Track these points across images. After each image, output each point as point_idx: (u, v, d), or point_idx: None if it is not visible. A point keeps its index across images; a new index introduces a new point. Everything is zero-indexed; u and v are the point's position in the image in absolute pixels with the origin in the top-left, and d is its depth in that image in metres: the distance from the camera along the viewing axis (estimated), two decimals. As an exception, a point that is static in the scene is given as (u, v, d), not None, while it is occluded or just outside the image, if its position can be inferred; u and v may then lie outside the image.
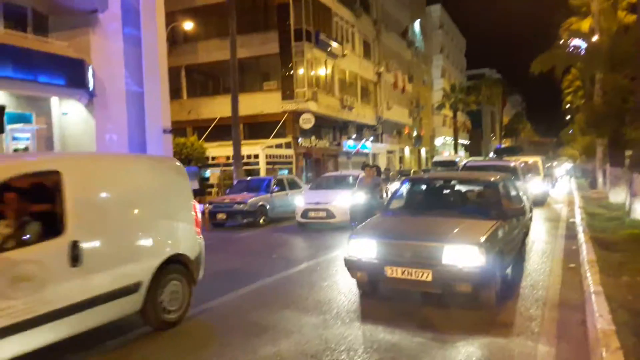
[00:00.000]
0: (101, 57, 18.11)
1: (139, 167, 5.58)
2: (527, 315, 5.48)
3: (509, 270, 6.95)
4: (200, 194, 18.95)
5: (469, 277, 5.32)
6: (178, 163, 6.13)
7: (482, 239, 5.46)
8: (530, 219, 9.15)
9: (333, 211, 13.00)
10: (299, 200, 14.05)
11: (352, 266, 6.02)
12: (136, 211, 5.19)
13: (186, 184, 6.01)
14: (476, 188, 7.75)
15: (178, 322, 5.39)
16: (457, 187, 7.86)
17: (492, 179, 7.31)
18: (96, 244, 4.61)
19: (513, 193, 7.74)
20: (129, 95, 19.30)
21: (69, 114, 18.23)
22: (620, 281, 6.04)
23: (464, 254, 5.36)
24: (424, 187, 8.12)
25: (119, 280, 4.74)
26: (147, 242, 5.21)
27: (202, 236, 6.04)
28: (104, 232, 4.74)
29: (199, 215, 6.05)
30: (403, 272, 5.54)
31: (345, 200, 12.54)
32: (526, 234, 8.29)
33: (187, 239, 5.74)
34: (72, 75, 17.15)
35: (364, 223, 7.08)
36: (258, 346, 4.74)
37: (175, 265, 5.43)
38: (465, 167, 16.89)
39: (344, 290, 6.70)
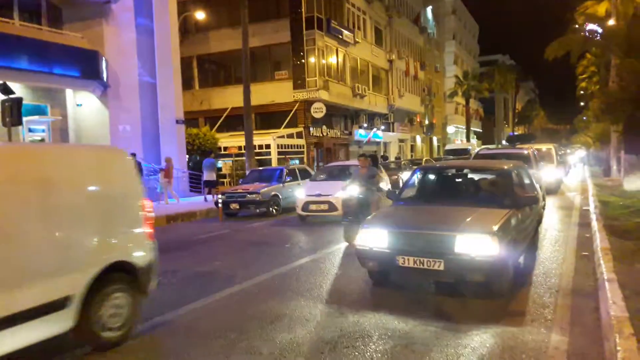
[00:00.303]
0: (114, 48, 18.28)
1: (67, 159, 4.69)
2: (540, 302, 5.51)
3: (521, 259, 6.96)
4: (216, 184, 19.12)
5: (482, 266, 5.29)
6: (126, 155, 5.28)
7: (495, 227, 5.45)
8: (543, 207, 9.13)
9: (335, 203, 12.32)
10: (300, 192, 13.44)
11: (363, 256, 6.03)
12: (63, 212, 4.35)
13: (133, 179, 5.19)
14: (489, 176, 7.73)
15: (122, 340, 4.70)
16: (470, 176, 7.83)
17: (505, 167, 7.29)
18: (2, 253, 3.83)
19: (526, 181, 7.70)
20: (142, 86, 19.51)
21: (83, 106, 18.48)
22: (633, 268, 6.04)
23: (476, 243, 5.35)
24: (435, 176, 8.09)
25: (39, 296, 3.99)
26: (78, 248, 4.43)
27: (155, 240, 5.26)
28: (15, 239, 3.95)
29: (151, 214, 5.26)
30: (415, 262, 5.53)
31: (348, 191, 12.12)
32: (539, 222, 8.28)
33: (134, 243, 5.04)
34: (86, 66, 17.36)
35: (374, 213, 7.09)
36: (275, 333, 4.85)
37: (119, 274, 4.74)
38: (478, 155, 16.84)
39: (356, 279, 6.76)
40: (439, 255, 5.43)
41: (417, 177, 7.85)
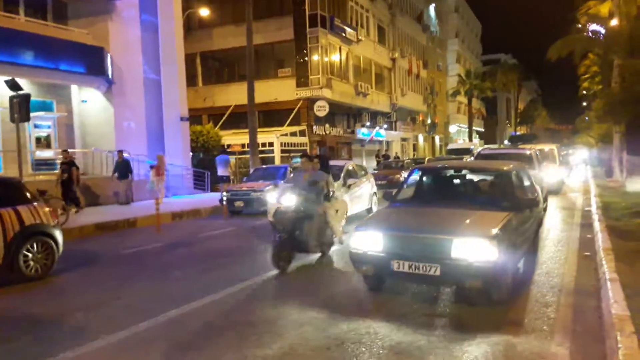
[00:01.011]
0: (119, 44, 18.36)
1: None
2: (543, 301, 5.59)
3: (520, 264, 6.67)
4: (227, 181, 19.21)
5: (480, 272, 5.03)
6: None
7: (495, 231, 5.19)
8: (545, 209, 9.07)
9: None
10: (271, 197, 11.68)
11: (357, 259, 5.79)
12: None
13: None
14: (488, 177, 7.50)
15: None
16: (469, 177, 7.59)
17: (505, 168, 7.02)
18: None
19: (527, 183, 7.46)
20: (146, 83, 19.58)
21: (88, 102, 18.58)
22: (635, 269, 6.12)
23: (474, 248, 5.09)
24: (433, 176, 7.79)
25: None
26: None
27: None
28: None
29: None
30: (410, 267, 5.28)
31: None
32: (539, 225, 8.13)
33: None
34: (91, 63, 17.45)
35: (370, 215, 6.82)
36: (283, 328, 4.98)
37: None
38: (480, 155, 16.84)
39: (356, 282, 6.58)
40: (435, 260, 5.18)
41: (414, 178, 7.62)
